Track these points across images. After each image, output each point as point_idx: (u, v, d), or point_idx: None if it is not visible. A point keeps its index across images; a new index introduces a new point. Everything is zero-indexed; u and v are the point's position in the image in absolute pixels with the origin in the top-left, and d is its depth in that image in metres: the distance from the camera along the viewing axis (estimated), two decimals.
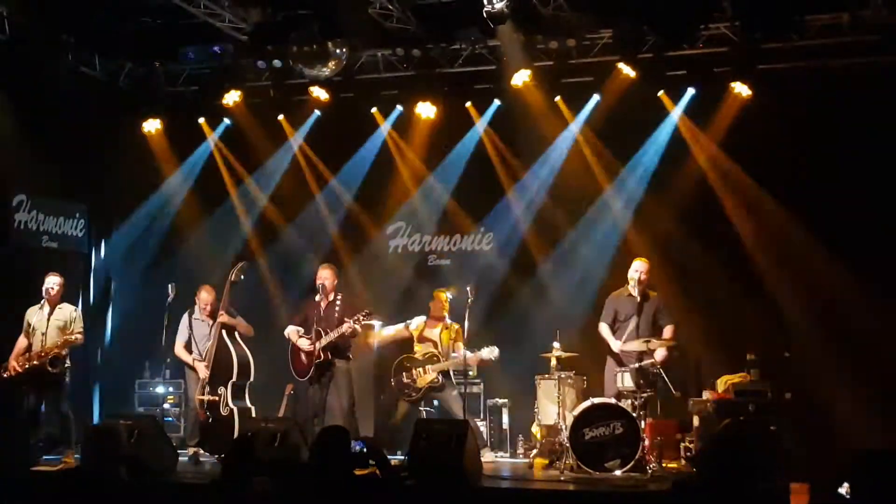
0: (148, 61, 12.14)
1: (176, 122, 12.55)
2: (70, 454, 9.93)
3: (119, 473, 5.41)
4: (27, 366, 9.98)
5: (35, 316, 10.18)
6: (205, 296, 10.69)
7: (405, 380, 10.50)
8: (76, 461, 9.64)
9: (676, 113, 11.30)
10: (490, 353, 10.29)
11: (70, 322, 10.16)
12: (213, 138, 12.71)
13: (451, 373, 10.49)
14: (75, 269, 12.17)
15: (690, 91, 11.17)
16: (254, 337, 10.75)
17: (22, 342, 10.15)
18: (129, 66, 12.24)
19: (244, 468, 5.65)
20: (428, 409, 10.83)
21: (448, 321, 10.65)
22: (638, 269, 9.96)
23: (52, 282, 10.21)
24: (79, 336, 10.16)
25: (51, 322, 10.12)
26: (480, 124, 12.01)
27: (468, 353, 10.26)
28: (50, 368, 9.95)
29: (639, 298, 9.91)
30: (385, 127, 12.34)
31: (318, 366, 10.13)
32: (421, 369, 10.51)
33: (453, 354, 10.46)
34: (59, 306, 10.22)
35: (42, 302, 10.20)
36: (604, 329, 10.04)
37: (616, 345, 9.86)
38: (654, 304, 9.95)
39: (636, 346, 9.62)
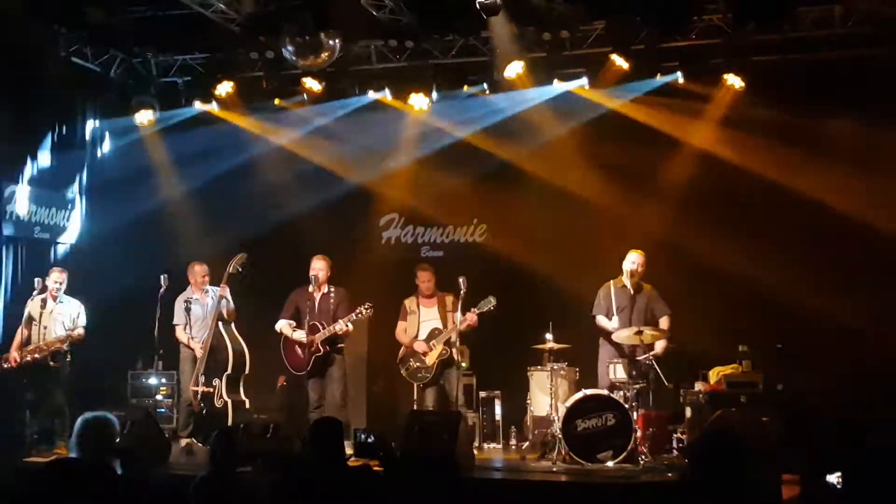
0: (140, 52, 12.11)
1: (168, 112, 12.52)
2: (63, 446, 9.95)
3: (111, 465, 5.41)
4: (28, 358, 10.02)
5: (37, 308, 10.19)
6: (198, 269, 10.65)
7: (415, 364, 10.33)
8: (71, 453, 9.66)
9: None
10: (487, 303, 10.05)
11: (74, 317, 10.25)
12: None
13: (454, 351, 10.24)
14: (68, 260, 12.15)
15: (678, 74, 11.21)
16: (248, 329, 10.75)
17: (22, 333, 10.19)
18: (120, 56, 12.21)
19: (228, 461, 5.65)
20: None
21: (442, 294, 10.43)
22: (634, 261, 9.96)
23: (55, 278, 10.25)
24: (81, 332, 10.20)
25: (53, 315, 10.18)
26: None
27: (467, 314, 10.06)
28: (51, 363, 10.02)
29: (632, 290, 9.93)
30: (379, 117, 12.33)
31: (317, 359, 10.11)
32: (426, 347, 10.32)
33: (461, 321, 10.14)
34: (60, 300, 10.25)
35: (45, 294, 10.21)
36: (601, 319, 10.04)
37: (614, 329, 9.84)
38: (647, 295, 9.97)
39: (627, 335, 9.64)
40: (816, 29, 10.42)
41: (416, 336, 10.39)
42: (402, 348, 10.50)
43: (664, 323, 9.92)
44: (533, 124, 11.80)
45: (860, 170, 10.33)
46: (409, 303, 10.58)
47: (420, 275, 10.51)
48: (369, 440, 7.77)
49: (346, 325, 9.99)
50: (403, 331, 10.54)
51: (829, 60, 10.45)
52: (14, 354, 10.11)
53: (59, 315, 10.22)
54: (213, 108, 12.35)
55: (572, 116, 11.70)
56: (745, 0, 10.15)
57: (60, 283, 10.29)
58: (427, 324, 10.42)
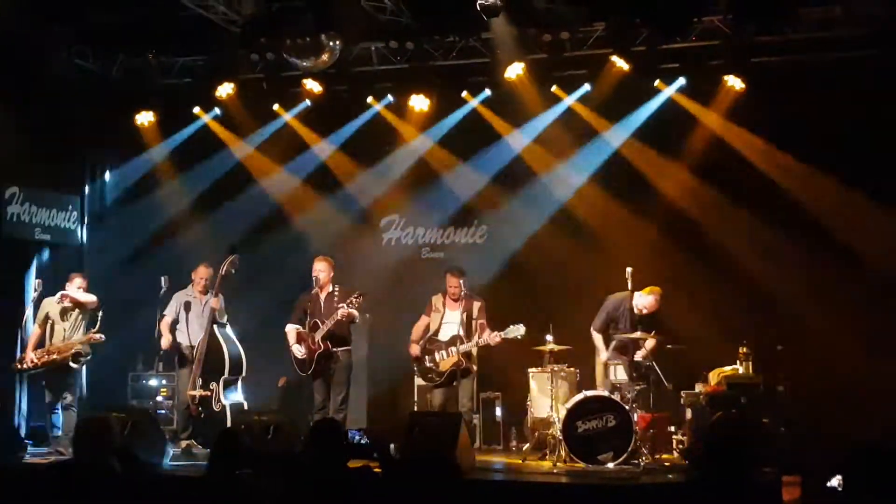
0: (141, 53, 12.12)
1: (169, 114, 12.53)
2: (66, 445, 9.97)
3: (111, 466, 5.40)
4: (45, 359, 10.06)
5: (55, 309, 10.27)
6: (203, 271, 10.60)
7: (427, 363, 10.10)
8: (68, 453, 9.66)
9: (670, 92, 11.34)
10: (516, 331, 9.81)
11: (95, 320, 10.32)
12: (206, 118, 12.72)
13: (471, 363, 10.04)
14: (68, 261, 12.15)
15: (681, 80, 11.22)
16: (248, 330, 10.74)
17: (37, 333, 10.25)
18: (122, 57, 12.22)
19: (229, 462, 5.64)
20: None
21: (469, 298, 10.11)
22: (647, 305, 9.81)
23: (78, 283, 10.37)
24: (101, 335, 10.25)
25: (72, 317, 10.27)
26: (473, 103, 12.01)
27: (493, 333, 9.87)
28: (73, 364, 10.10)
29: (638, 316, 9.85)
30: (379, 119, 12.34)
31: (319, 357, 10.04)
32: (444, 352, 10.03)
33: (483, 338, 9.95)
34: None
35: (60, 296, 10.28)
36: (597, 339, 9.99)
37: (605, 356, 9.85)
38: (650, 317, 9.88)
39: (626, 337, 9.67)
40: (817, 30, 10.41)
41: (437, 334, 10.21)
42: (421, 343, 10.21)
43: (650, 344, 9.83)
44: (535, 128, 11.78)
45: (860, 172, 10.35)
46: (437, 300, 10.33)
47: (449, 279, 10.23)
48: (363, 441, 7.77)
49: (338, 318, 9.83)
50: (423, 326, 10.30)
51: (829, 62, 10.45)
52: (31, 355, 10.14)
53: (79, 317, 10.31)
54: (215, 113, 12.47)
55: (575, 125, 11.71)
56: (745, 1, 10.16)
57: (80, 288, 10.38)
58: (448, 326, 10.17)
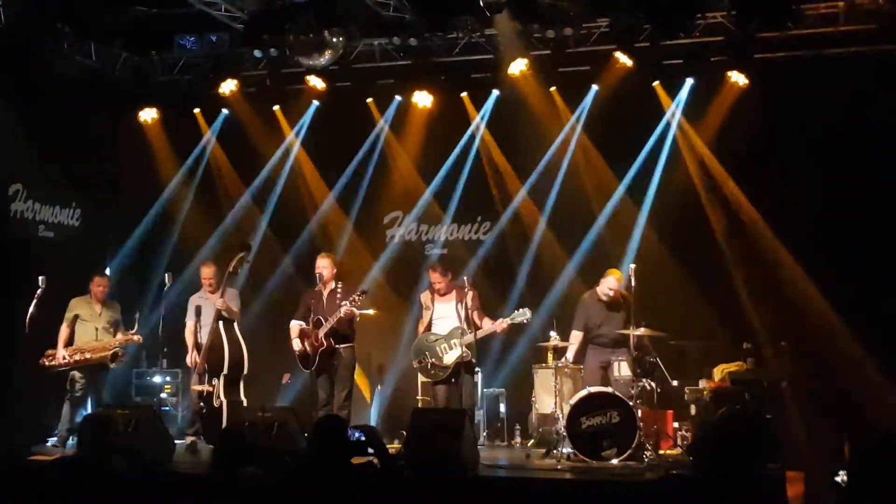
0: (144, 50, 12.12)
1: (172, 110, 12.55)
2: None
3: (114, 463, 5.40)
4: (79, 357, 10.24)
5: (84, 310, 10.49)
6: (206, 271, 10.62)
7: (430, 359, 10.03)
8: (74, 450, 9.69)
9: (673, 110, 11.34)
10: (522, 315, 9.81)
11: (119, 319, 10.64)
12: (209, 136, 12.76)
13: (475, 348, 9.89)
14: (72, 258, 12.16)
15: (688, 83, 11.21)
16: (253, 327, 10.74)
17: (65, 332, 10.42)
18: (124, 54, 12.23)
19: (233, 459, 5.64)
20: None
21: (461, 289, 9.97)
22: (611, 287, 9.79)
23: (99, 282, 10.61)
24: (139, 336, 10.48)
25: (102, 317, 10.52)
26: (480, 117, 12.03)
27: (499, 320, 9.89)
28: (112, 364, 10.39)
29: (607, 309, 9.86)
30: (383, 117, 12.34)
31: (322, 354, 10.03)
32: (445, 345, 10.00)
33: (488, 326, 9.97)
34: (105, 304, 10.62)
35: (89, 296, 10.55)
36: (574, 338, 9.98)
37: (569, 356, 9.90)
38: (625, 309, 9.79)
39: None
40: (820, 26, 10.39)
41: (429, 329, 10.16)
42: (416, 341, 10.21)
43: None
44: (539, 125, 11.76)
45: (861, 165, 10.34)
46: (425, 298, 10.35)
47: (430, 275, 10.28)
48: (361, 438, 7.75)
49: (341, 315, 9.82)
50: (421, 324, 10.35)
51: (833, 57, 10.43)
52: (63, 352, 10.24)
53: (108, 317, 10.55)
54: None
55: (577, 118, 11.70)
56: None
57: (104, 287, 10.60)
58: (442, 321, 10.14)
